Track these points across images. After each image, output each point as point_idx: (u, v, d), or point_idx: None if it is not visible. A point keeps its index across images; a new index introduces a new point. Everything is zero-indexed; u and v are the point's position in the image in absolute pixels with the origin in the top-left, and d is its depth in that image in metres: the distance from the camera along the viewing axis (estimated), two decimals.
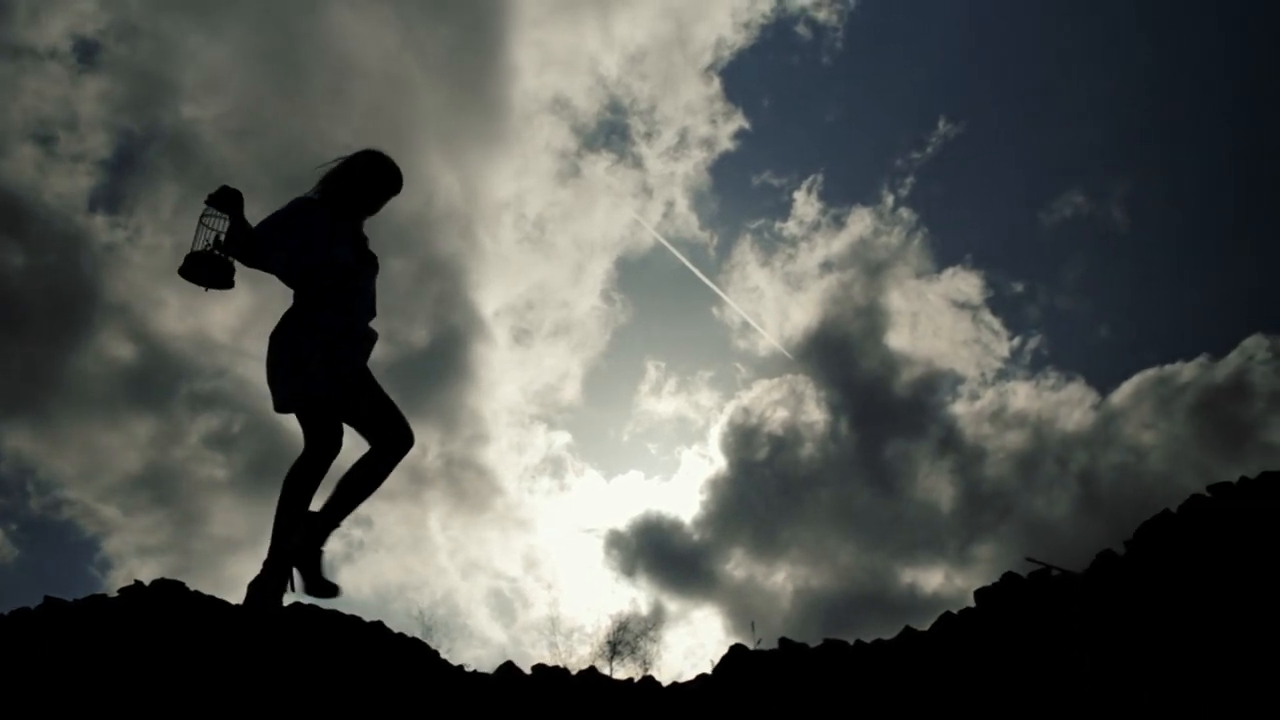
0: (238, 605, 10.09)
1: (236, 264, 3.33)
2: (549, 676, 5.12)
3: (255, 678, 7.04)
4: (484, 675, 5.63)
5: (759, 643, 5.46)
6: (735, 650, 4.69)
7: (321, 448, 3.33)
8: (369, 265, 3.43)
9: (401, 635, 11.11)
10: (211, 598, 10.22)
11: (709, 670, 5.27)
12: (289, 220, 3.46)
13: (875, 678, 4.40)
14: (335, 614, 10.79)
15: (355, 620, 11.17)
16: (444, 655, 14.39)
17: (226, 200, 3.44)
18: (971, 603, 4.46)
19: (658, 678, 5.45)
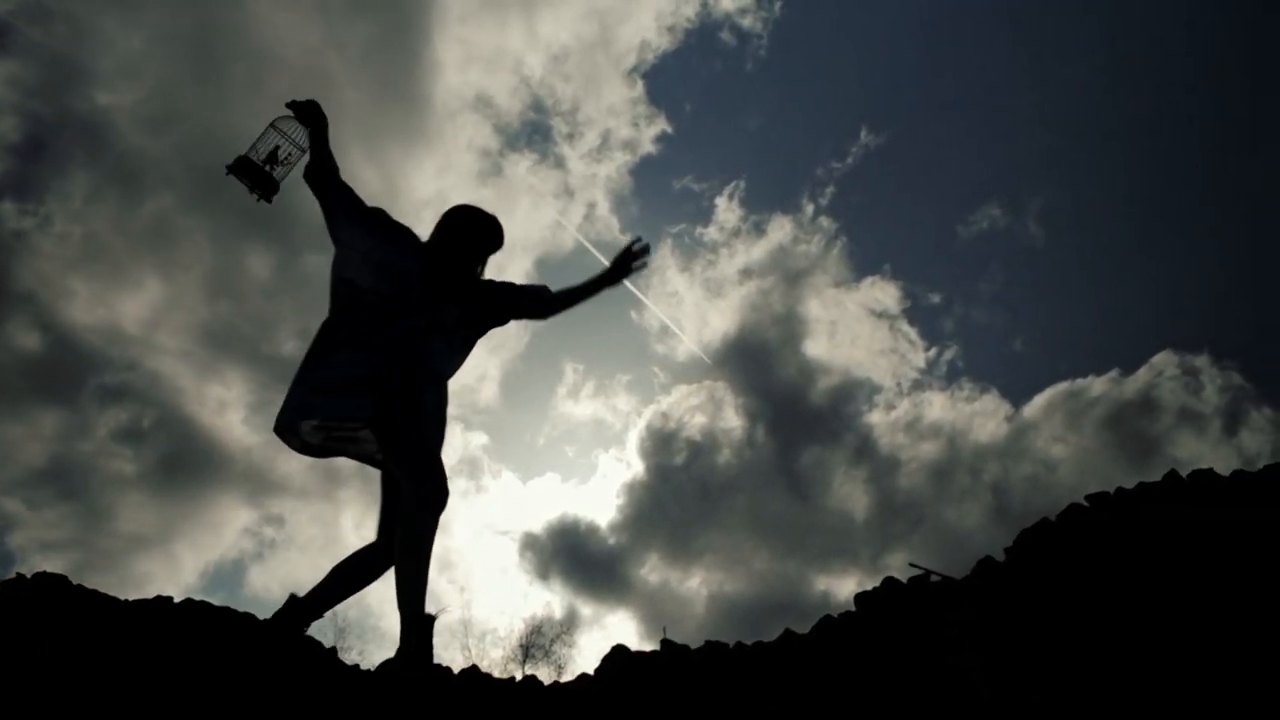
0: (126, 601, 9.73)
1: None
2: (428, 675, 5.01)
3: (134, 675, 6.78)
4: (365, 673, 5.48)
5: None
6: (616, 650, 4.63)
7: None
8: (431, 312, 3.11)
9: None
10: (95, 592, 9.88)
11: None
12: (373, 210, 3.21)
13: (754, 679, 4.36)
14: (227, 610, 10.52)
15: (249, 618, 10.91)
16: (355, 657, 14.07)
17: (309, 113, 3.15)
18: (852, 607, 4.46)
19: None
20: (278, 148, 3.21)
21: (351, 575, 3.09)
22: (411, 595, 2.92)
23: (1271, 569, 4.45)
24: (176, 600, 9.99)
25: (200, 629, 8.58)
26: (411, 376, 3.04)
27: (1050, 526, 4.60)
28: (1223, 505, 4.80)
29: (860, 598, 4.37)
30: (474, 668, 5.05)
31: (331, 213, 3.23)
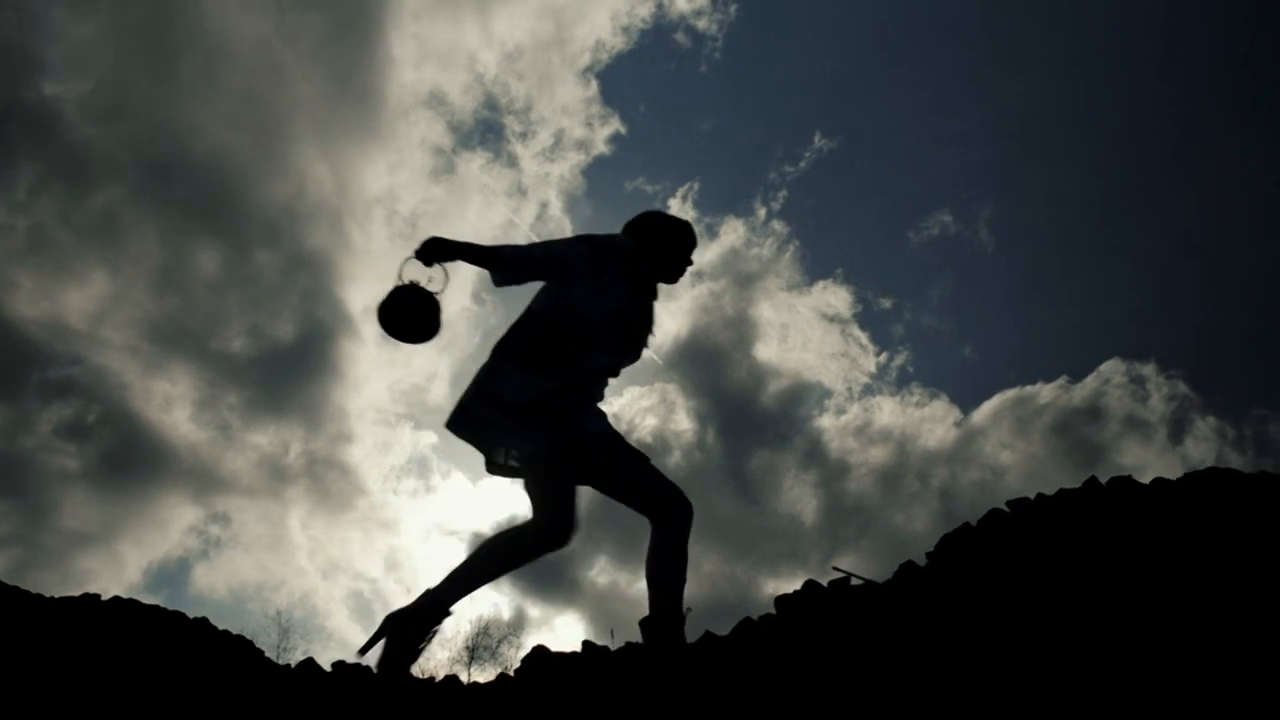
0: (51, 598, 9.50)
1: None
2: (347, 673, 4.95)
3: (56, 672, 6.62)
4: (287, 670, 5.41)
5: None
6: (536, 651, 4.59)
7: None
8: (616, 344, 3.03)
9: (226, 633, 10.70)
10: (16, 589, 9.64)
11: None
12: (579, 249, 3.05)
13: (672, 680, 4.34)
14: (157, 609, 10.33)
15: (179, 616, 10.72)
16: (299, 656, 13.91)
17: (437, 251, 2.96)
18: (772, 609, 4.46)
19: None
20: (413, 282, 3.05)
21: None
22: (453, 587, 2.89)
23: (1185, 571, 4.52)
24: (104, 598, 9.78)
25: (128, 627, 8.40)
26: (582, 411, 3.01)
27: (971, 531, 4.63)
28: (1140, 511, 4.87)
29: (780, 600, 4.37)
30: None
31: (554, 280, 3.12)
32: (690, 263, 3.28)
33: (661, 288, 3.32)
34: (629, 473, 3.08)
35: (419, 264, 2.91)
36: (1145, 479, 5.44)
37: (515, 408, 2.89)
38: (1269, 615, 4.35)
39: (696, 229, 3.41)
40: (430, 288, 2.93)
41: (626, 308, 3.04)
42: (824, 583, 4.40)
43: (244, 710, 4.94)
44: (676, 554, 3.12)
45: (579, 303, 2.97)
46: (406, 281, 2.89)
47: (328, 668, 5.07)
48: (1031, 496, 4.96)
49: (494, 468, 3.11)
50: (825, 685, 4.23)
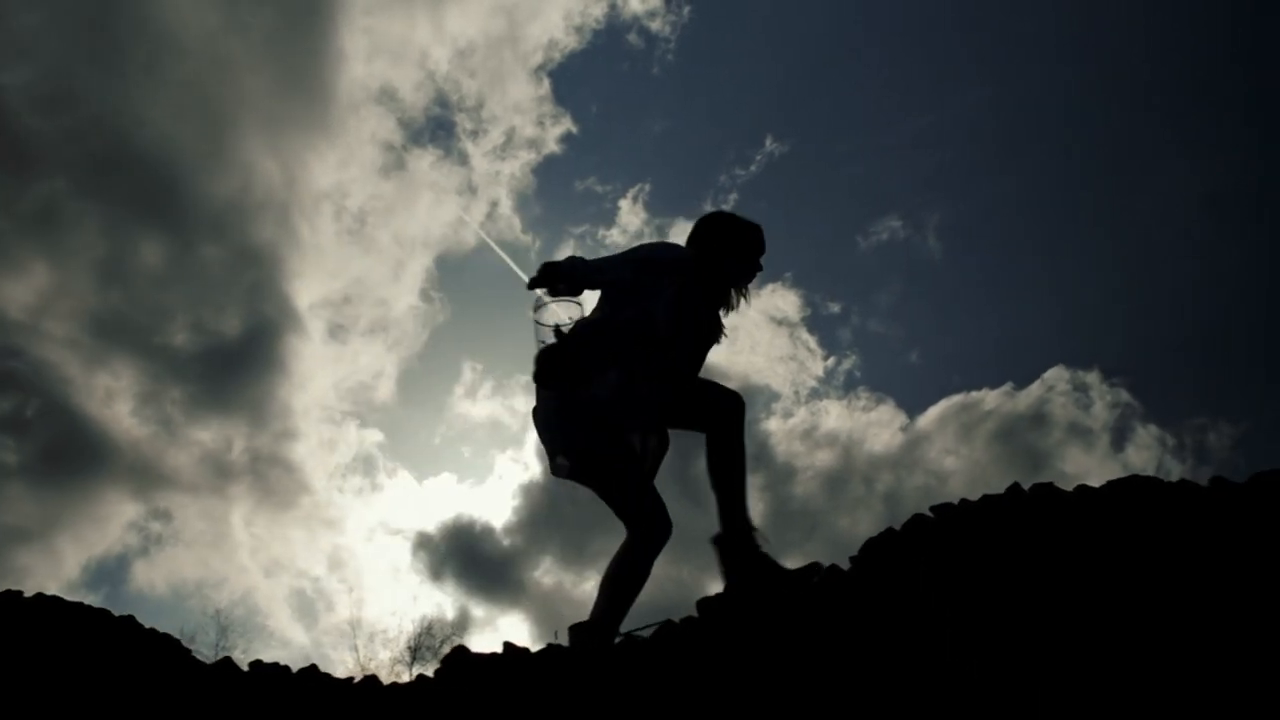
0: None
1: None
2: (265, 673, 4.86)
3: None
4: (206, 668, 5.30)
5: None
6: (457, 651, 4.54)
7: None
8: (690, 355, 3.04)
9: (153, 631, 10.46)
10: None
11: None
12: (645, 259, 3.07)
13: (589, 682, 4.30)
14: (81, 606, 10.06)
15: (104, 614, 10.45)
16: (240, 655, 13.58)
17: (552, 276, 2.93)
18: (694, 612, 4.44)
19: None
20: (558, 326, 2.99)
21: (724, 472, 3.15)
22: (613, 615, 3.01)
23: (1103, 577, 4.57)
24: (27, 595, 9.50)
25: (49, 626, 8.18)
26: (649, 419, 3.05)
27: (894, 536, 4.64)
28: (1063, 518, 4.92)
29: (702, 603, 4.35)
30: (313, 667, 4.92)
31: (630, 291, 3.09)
32: (759, 268, 3.23)
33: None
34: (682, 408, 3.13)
35: (545, 293, 2.89)
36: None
37: (603, 405, 2.91)
38: (1182, 620, 4.40)
39: (734, 221, 3.32)
40: (566, 326, 2.92)
41: (683, 317, 3.04)
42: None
43: (157, 710, 4.83)
44: (732, 452, 3.21)
45: (637, 315, 2.97)
46: (550, 325, 2.89)
47: (251, 667, 4.99)
48: (960, 502, 4.98)
49: (560, 470, 3.13)
50: (743, 688, 4.20)
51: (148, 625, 10.53)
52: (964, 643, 4.19)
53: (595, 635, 3.15)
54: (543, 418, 3.09)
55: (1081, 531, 4.80)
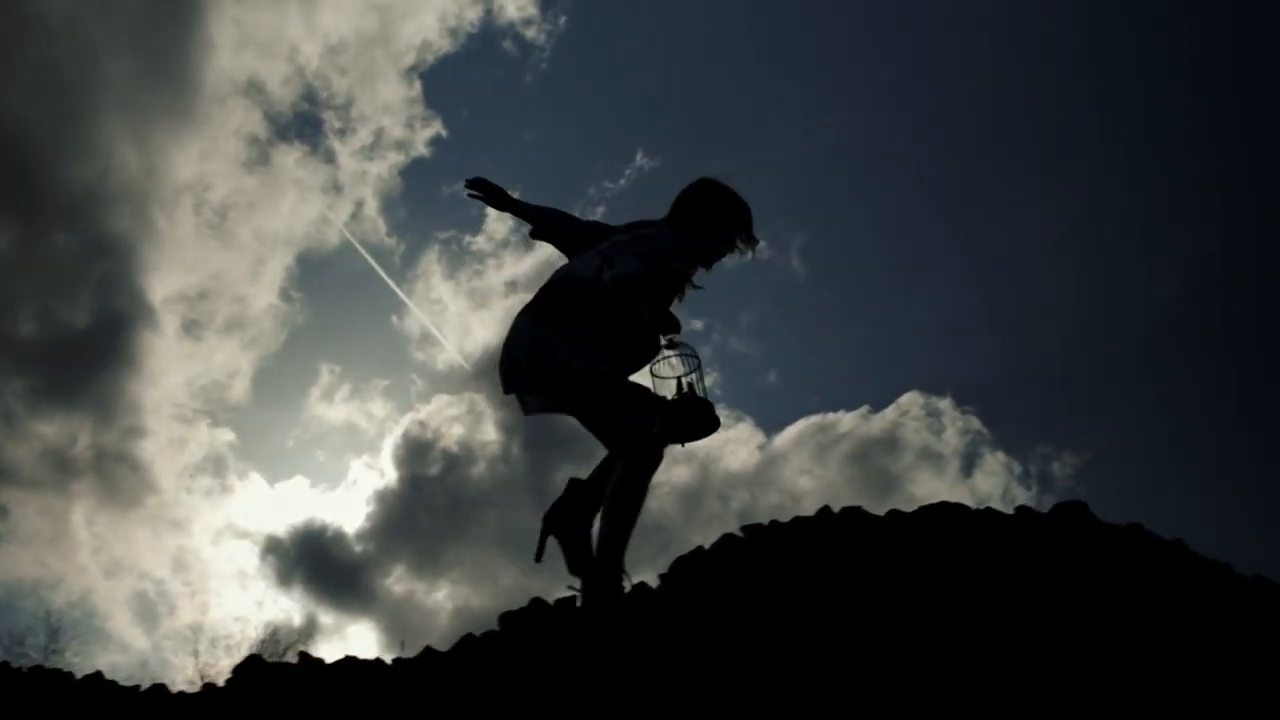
0: None
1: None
2: (44, 678, 4.61)
3: None
4: None
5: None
6: (250, 660, 4.38)
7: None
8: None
9: None
10: None
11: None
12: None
13: (386, 696, 4.21)
14: None
15: None
16: (72, 658, 12.91)
17: (487, 191, 3.12)
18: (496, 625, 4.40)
19: None
20: (680, 378, 2.85)
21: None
22: (613, 553, 2.97)
23: (907, 599, 4.73)
24: None
25: None
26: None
27: (704, 554, 4.70)
28: (872, 539, 5.08)
29: (505, 617, 4.31)
30: (98, 674, 4.69)
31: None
32: (732, 246, 3.22)
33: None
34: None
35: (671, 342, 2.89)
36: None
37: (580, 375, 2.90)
38: (982, 641, 4.58)
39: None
40: (687, 378, 2.88)
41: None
42: (551, 600, 4.38)
43: None
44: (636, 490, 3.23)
45: (644, 280, 3.00)
46: (673, 377, 2.82)
47: (96, 669, 4.76)
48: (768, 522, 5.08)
49: (531, 408, 3.16)
50: (543, 704, 4.18)
51: None
52: (770, 649, 4.26)
53: (602, 578, 3.17)
54: (531, 346, 3.08)
55: (888, 552, 4.96)
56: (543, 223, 3.27)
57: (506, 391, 3.19)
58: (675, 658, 4.36)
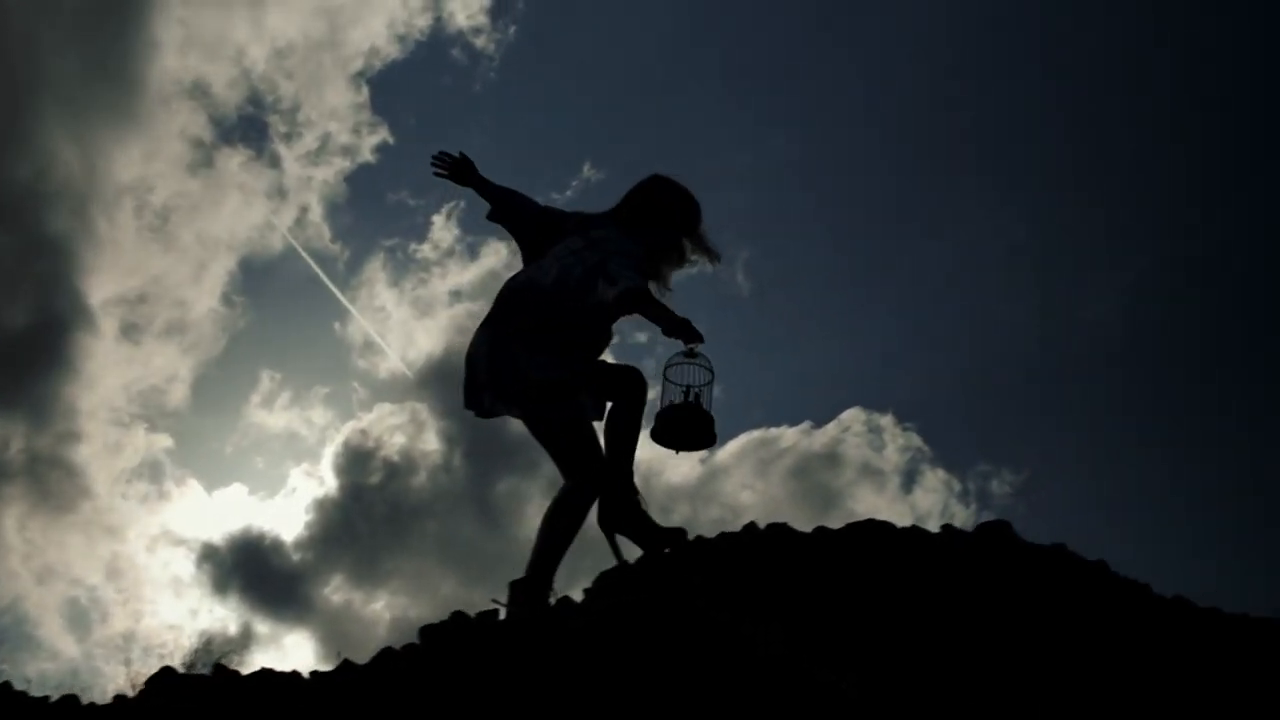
0: None
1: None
2: None
3: None
4: None
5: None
6: (163, 672, 4.32)
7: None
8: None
9: None
10: None
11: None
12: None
13: (302, 710, 4.17)
14: None
15: None
16: (1, 667, 12.56)
17: (459, 169, 3.01)
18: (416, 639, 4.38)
19: None
20: (690, 387, 2.86)
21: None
22: (546, 564, 3.07)
23: (822, 615, 4.78)
24: None
25: None
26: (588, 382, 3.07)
27: (628, 569, 4.71)
28: (795, 556, 5.13)
29: (425, 630, 4.29)
30: (7, 684, 4.58)
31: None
32: (682, 249, 3.20)
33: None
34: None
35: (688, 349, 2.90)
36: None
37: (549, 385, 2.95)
38: (902, 663, 4.64)
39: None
40: (696, 389, 2.91)
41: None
42: (472, 614, 4.36)
43: None
44: (631, 424, 3.27)
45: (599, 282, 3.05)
46: (682, 385, 2.85)
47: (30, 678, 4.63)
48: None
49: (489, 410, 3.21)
50: (480, 712, 4.17)
51: None
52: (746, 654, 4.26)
53: (530, 590, 3.23)
54: (489, 353, 3.12)
55: (809, 569, 5.01)
56: (501, 204, 3.33)
57: (467, 406, 3.24)
58: (648, 661, 4.35)
